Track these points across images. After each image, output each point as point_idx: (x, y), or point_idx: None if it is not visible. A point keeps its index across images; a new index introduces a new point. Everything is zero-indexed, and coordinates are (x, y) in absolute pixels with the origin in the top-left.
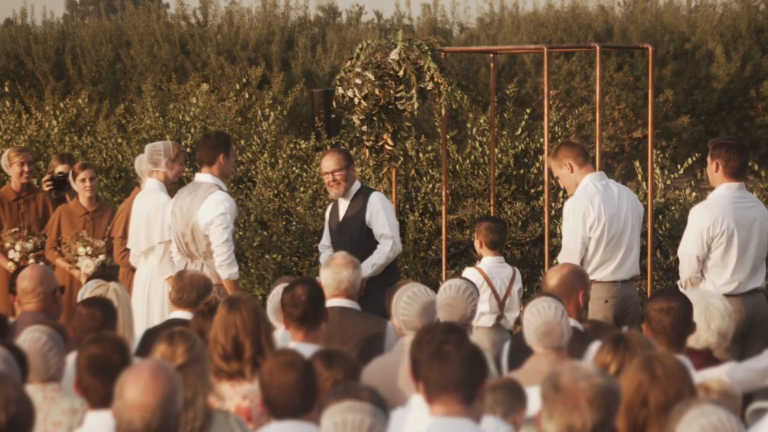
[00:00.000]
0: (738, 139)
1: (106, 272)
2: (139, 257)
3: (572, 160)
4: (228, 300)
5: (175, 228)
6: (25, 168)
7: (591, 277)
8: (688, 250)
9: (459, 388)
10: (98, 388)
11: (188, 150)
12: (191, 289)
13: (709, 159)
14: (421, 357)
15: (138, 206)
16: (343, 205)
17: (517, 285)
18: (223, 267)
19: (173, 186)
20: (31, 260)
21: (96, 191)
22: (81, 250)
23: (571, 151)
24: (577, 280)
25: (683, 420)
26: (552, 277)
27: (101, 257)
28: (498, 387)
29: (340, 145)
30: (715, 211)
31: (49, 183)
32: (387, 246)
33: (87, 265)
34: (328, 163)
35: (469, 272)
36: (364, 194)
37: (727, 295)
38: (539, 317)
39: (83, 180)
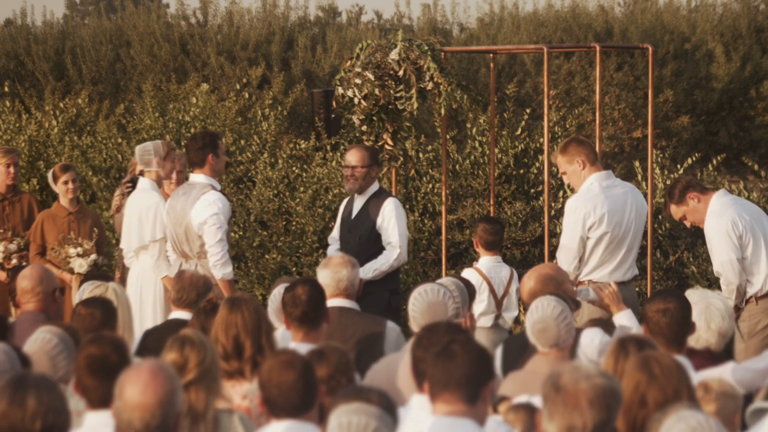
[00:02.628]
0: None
1: (98, 272)
2: (132, 257)
3: (585, 157)
4: (230, 299)
5: (170, 228)
6: (11, 169)
7: (588, 277)
8: (726, 258)
9: (462, 387)
10: (97, 388)
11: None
12: (191, 289)
13: (695, 200)
14: (425, 355)
15: (130, 206)
16: (358, 204)
17: (515, 285)
18: (216, 267)
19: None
20: (14, 261)
21: (77, 193)
22: (72, 251)
23: (584, 148)
24: (545, 288)
25: (662, 428)
26: (522, 291)
27: (93, 257)
28: None
29: (340, 145)
30: (729, 212)
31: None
32: (393, 254)
33: (80, 265)
34: (352, 157)
35: (467, 272)
36: (380, 197)
37: None
38: (536, 314)
39: (65, 182)
